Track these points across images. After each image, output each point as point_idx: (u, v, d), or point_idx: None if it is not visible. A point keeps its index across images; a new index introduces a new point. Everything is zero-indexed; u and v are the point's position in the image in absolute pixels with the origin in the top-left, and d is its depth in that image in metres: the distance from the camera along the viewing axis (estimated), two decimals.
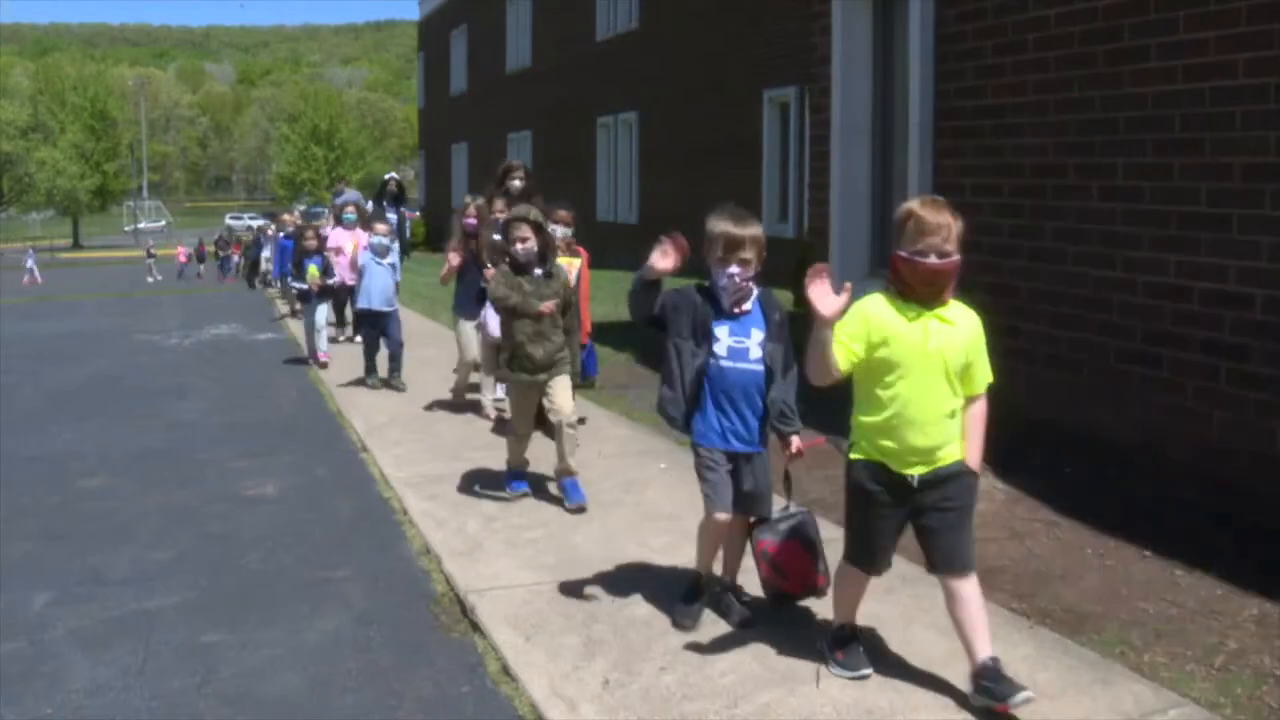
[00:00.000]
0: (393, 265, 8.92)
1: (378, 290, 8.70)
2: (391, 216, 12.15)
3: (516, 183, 7.74)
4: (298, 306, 14.38)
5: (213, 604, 4.36)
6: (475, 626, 3.99)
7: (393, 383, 8.64)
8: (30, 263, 35.89)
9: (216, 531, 5.31)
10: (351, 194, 19.37)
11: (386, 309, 8.71)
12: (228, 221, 63.58)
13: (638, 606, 4.04)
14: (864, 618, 3.85)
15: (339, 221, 11.38)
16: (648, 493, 5.50)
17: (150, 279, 31.78)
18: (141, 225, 67.66)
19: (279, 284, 16.12)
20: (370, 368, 8.79)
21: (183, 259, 37.02)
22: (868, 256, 7.71)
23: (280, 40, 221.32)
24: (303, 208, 36.47)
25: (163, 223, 74.15)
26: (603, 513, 5.17)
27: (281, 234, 15.26)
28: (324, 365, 9.81)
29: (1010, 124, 6.29)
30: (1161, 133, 5.32)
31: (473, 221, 7.44)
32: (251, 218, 63.05)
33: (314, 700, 3.51)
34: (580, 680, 3.46)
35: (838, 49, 7.75)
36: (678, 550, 4.63)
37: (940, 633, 3.70)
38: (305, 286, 9.92)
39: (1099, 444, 5.56)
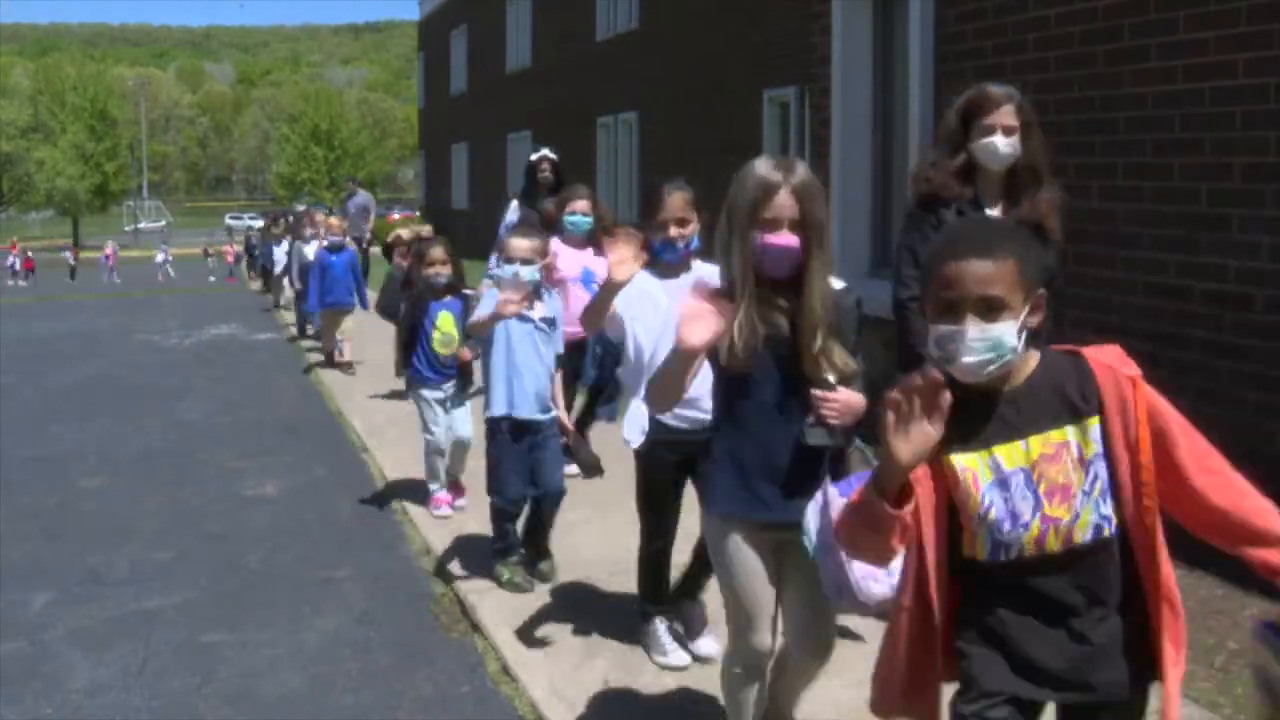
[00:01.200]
0: (545, 326, 4.34)
1: (525, 380, 4.28)
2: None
3: (997, 145, 3.48)
4: (327, 354, 10.08)
5: (213, 604, 4.36)
6: (475, 626, 3.99)
7: (541, 569, 4.45)
8: (162, 258, 35.57)
9: (216, 531, 5.31)
10: (364, 196, 17.14)
11: (539, 415, 4.32)
12: (228, 222, 63.53)
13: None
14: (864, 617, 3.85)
15: (550, 228, 5.61)
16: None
17: (210, 278, 31.59)
18: (141, 225, 67.66)
19: (308, 315, 11.69)
20: (506, 534, 4.42)
21: (230, 259, 36.93)
22: (868, 256, 7.70)
23: (280, 40, 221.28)
24: (302, 207, 36.21)
25: (163, 223, 74.11)
26: (603, 513, 5.17)
27: (323, 244, 10.34)
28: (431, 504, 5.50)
29: None
30: (1161, 133, 5.32)
31: (788, 243, 2.39)
32: (251, 218, 63.01)
33: (314, 700, 3.51)
34: (580, 680, 3.46)
35: (838, 49, 7.75)
36: (677, 550, 4.62)
37: None
38: (429, 375, 5.34)
39: None
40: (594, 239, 5.48)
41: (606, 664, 3.57)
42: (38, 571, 4.76)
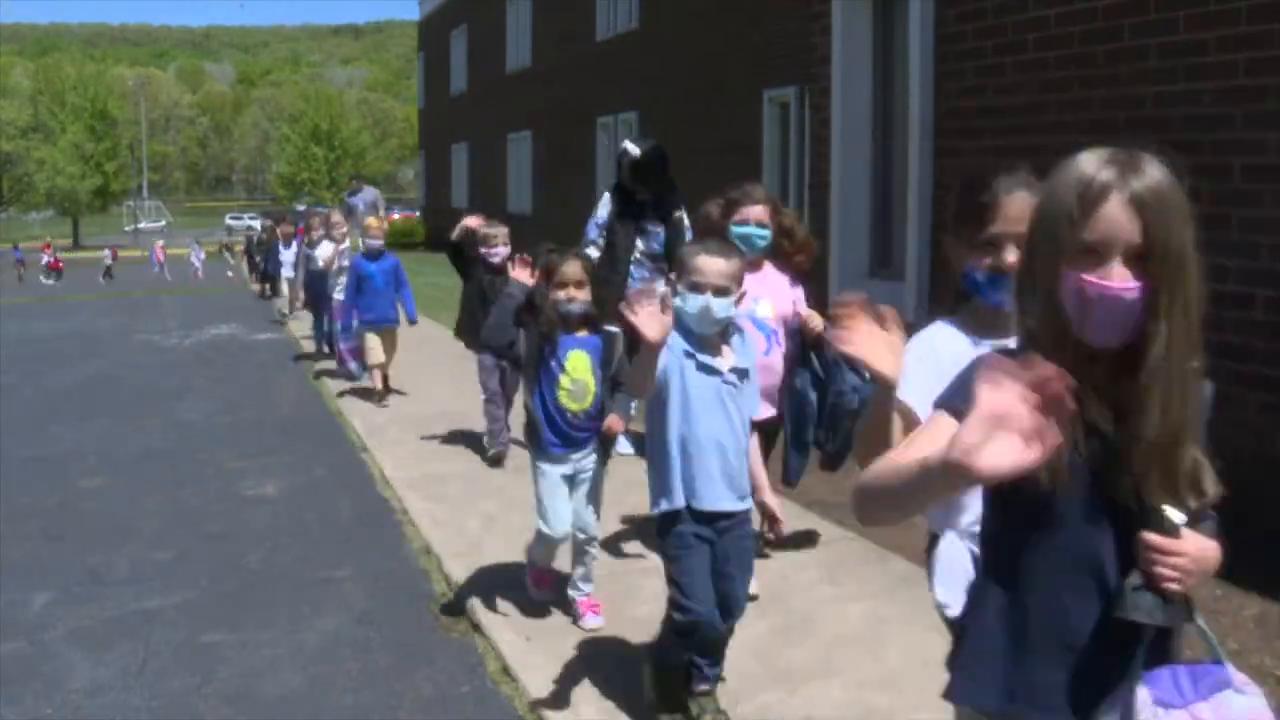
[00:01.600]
0: (735, 379, 3.10)
1: (709, 456, 3.07)
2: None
3: None
4: (355, 378, 8.58)
5: (213, 604, 4.36)
6: (475, 626, 3.99)
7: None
8: (195, 257, 35.53)
9: (216, 531, 5.31)
10: (371, 191, 15.54)
11: (733, 504, 3.11)
12: (228, 222, 63.53)
13: (638, 606, 4.04)
14: (865, 617, 3.86)
15: (704, 230, 4.16)
16: (648, 493, 5.49)
17: (229, 274, 31.60)
18: (141, 225, 67.68)
19: (326, 338, 10.32)
20: (688, 660, 3.18)
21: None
22: (867, 256, 7.71)
23: (280, 40, 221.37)
24: (302, 207, 36.11)
25: (163, 223, 74.13)
26: (602, 512, 5.16)
27: (353, 250, 9.10)
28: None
29: (1010, 124, 6.29)
30: (1161, 133, 5.32)
31: (1121, 289, 1.42)
32: (251, 218, 62.94)
33: (314, 700, 3.51)
34: (580, 680, 3.46)
35: (838, 49, 7.75)
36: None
37: (940, 633, 3.70)
38: (551, 439, 3.87)
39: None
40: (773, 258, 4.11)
41: (606, 664, 3.57)
42: (38, 571, 4.76)
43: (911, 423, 1.83)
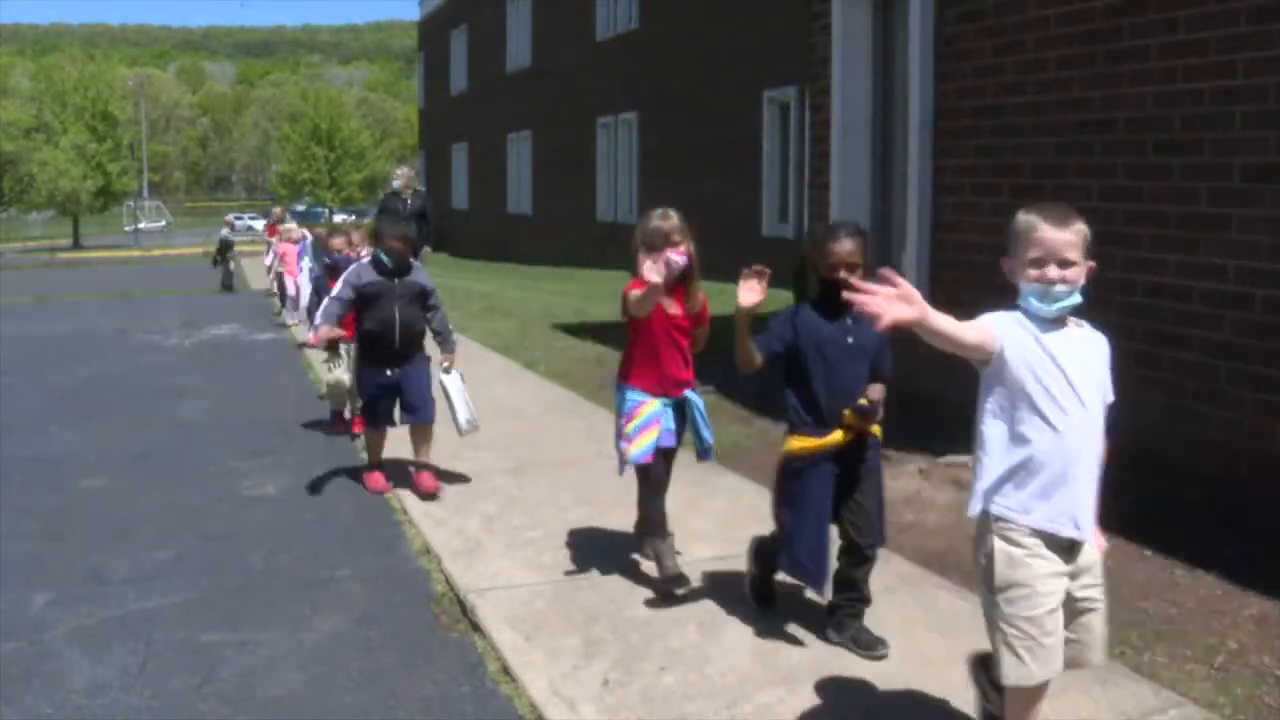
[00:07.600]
0: None
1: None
2: None
3: None
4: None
5: (213, 604, 4.36)
6: (475, 626, 4.00)
7: None
8: (271, 259, 34.81)
9: (216, 531, 5.31)
10: (405, 170, 13.05)
11: None
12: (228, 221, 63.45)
13: (638, 607, 4.04)
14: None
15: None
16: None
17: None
18: (141, 225, 67.67)
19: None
20: None
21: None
22: None
23: (280, 40, 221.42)
24: (302, 208, 36.09)
25: (163, 223, 74.10)
26: (603, 513, 5.17)
27: None
28: None
29: (1010, 124, 6.29)
30: (1161, 133, 5.32)
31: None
32: (252, 218, 62.86)
33: (314, 700, 3.51)
34: (580, 680, 3.47)
35: (838, 49, 7.75)
36: (678, 550, 4.63)
37: (940, 633, 3.71)
38: None
39: None
40: None
41: (606, 664, 3.57)
42: (38, 571, 4.76)
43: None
